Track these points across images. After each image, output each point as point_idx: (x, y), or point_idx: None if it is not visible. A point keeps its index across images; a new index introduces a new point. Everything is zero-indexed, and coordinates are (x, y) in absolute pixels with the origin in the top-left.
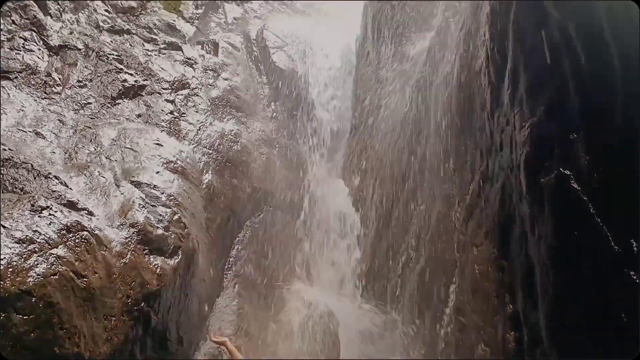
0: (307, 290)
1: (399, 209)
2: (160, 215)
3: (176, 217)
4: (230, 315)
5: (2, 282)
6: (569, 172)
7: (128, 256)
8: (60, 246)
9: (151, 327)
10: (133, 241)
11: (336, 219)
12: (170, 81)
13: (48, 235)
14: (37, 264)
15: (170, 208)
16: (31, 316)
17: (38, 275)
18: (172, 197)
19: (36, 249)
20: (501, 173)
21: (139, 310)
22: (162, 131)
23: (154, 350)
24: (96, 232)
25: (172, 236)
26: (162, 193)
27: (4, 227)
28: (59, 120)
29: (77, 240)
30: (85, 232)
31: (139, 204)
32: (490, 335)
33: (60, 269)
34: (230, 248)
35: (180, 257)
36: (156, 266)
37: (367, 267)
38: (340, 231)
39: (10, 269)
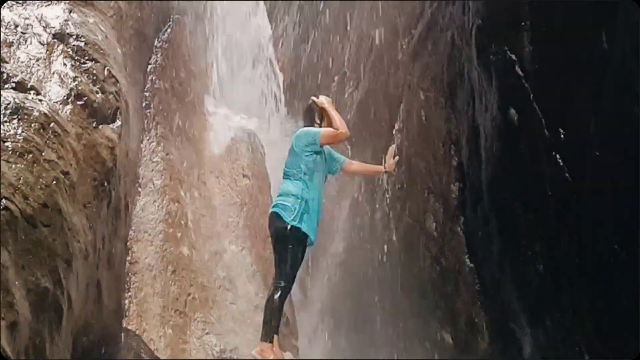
0: (227, 115)
1: (330, 14)
2: (94, 75)
3: (106, 71)
4: (159, 164)
5: (29, 200)
6: (515, 57)
7: (85, 136)
8: (46, 149)
9: (111, 203)
10: (84, 117)
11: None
12: None
13: (35, 140)
14: (40, 174)
15: (99, 62)
16: (51, 226)
17: (46, 186)
18: (96, 46)
19: (34, 159)
20: (452, 24)
21: (103, 190)
22: None
23: (111, 221)
24: (57, 118)
25: (110, 97)
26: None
27: None
28: None
29: (50, 136)
30: (52, 123)
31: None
32: (435, 183)
33: (55, 174)
34: (145, 80)
35: (120, 120)
36: (108, 139)
37: (288, 83)
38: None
39: (24, 186)
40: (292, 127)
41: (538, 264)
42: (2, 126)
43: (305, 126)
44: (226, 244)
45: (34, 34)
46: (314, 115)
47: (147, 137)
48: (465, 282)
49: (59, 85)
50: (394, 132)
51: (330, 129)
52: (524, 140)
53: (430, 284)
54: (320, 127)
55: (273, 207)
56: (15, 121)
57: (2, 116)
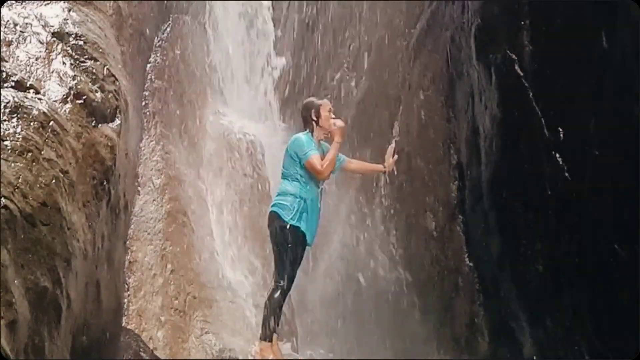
0: (227, 114)
1: (330, 14)
2: (93, 74)
3: (106, 70)
4: (159, 163)
5: (29, 198)
6: (514, 57)
7: (84, 135)
8: (45, 148)
9: (111, 202)
10: (83, 116)
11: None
12: None
13: (34, 139)
14: (40, 173)
15: (98, 61)
16: (50, 224)
17: (45, 184)
18: (96, 45)
19: (33, 157)
20: (452, 24)
21: (103, 189)
22: None
23: (110, 220)
24: (56, 116)
25: (110, 96)
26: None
27: None
28: None
29: (50, 135)
30: (52, 122)
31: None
32: (435, 182)
33: (55, 173)
34: (144, 80)
35: (119, 119)
36: (107, 138)
37: (288, 83)
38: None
39: (24, 185)
40: (292, 127)
41: (538, 264)
42: (1, 125)
43: (303, 124)
44: (226, 243)
45: (33, 32)
46: (310, 114)
47: (147, 136)
48: (465, 282)
49: (59, 84)
50: (393, 131)
51: (317, 165)
52: (524, 140)
53: (430, 284)
54: (317, 125)
55: (272, 206)
56: (14, 120)
57: (1, 115)
